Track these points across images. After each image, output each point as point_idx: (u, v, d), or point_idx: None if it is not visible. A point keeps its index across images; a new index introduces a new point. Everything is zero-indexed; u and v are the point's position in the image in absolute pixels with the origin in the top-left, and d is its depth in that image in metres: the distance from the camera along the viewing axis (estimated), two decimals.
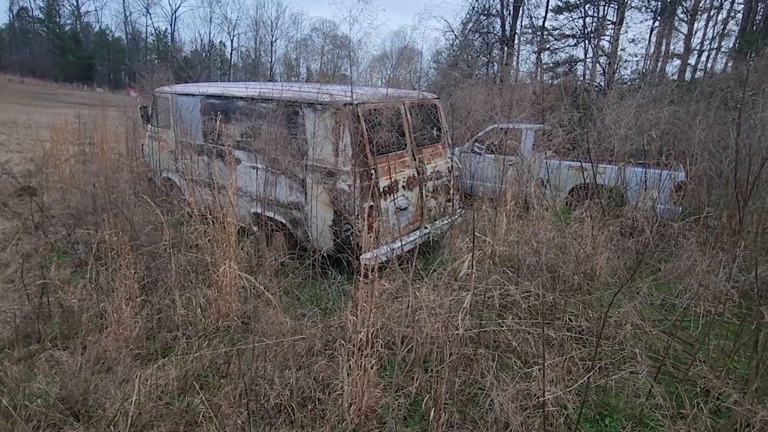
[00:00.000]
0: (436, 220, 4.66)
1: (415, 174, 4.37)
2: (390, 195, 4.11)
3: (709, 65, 15.90)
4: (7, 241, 4.50)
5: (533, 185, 4.85)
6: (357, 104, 3.86)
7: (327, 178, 4.00)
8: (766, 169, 4.20)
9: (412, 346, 2.26)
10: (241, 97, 4.66)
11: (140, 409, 2.13)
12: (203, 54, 50.25)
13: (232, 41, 51.68)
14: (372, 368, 2.20)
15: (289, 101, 4.19)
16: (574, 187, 6.28)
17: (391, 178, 4.11)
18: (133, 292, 2.67)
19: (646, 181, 5.46)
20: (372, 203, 3.92)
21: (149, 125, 6.27)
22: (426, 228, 4.47)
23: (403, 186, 4.24)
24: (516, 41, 16.03)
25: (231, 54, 51.63)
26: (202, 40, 53.40)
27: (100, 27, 52.05)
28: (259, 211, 4.69)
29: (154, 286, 3.15)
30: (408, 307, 2.62)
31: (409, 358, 2.42)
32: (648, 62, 13.22)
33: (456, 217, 4.87)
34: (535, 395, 2.24)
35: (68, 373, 2.42)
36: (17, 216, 5.21)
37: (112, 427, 2.07)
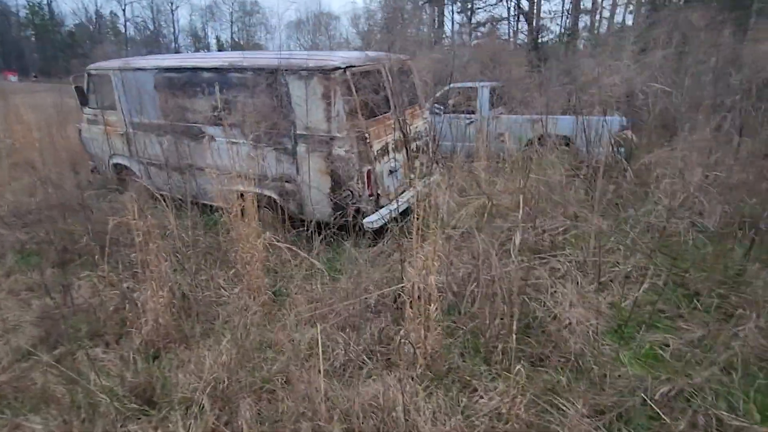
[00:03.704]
0: (421, 180, 4.82)
1: (401, 136, 4.46)
2: (383, 158, 4.18)
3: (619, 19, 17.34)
4: None
5: (508, 138, 5.15)
6: (346, 68, 3.82)
7: (320, 145, 3.96)
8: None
9: (474, 287, 2.44)
10: (208, 69, 4.37)
11: (216, 385, 2.11)
12: (91, 27, 44.51)
13: (124, 11, 46.10)
14: (435, 312, 2.35)
15: (268, 69, 4.02)
16: (530, 139, 6.73)
17: (382, 141, 4.16)
18: (166, 277, 2.54)
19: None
20: (370, 167, 3.97)
21: (87, 108, 5.63)
22: (415, 188, 4.61)
23: (393, 148, 4.32)
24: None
25: (125, 26, 46.32)
26: (87, 11, 47.06)
27: None
28: (243, 188, 4.52)
29: (178, 270, 3.00)
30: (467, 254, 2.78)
31: (471, 298, 2.61)
32: (566, 19, 14.14)
33: (436, 175, 5.07)
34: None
35: (118, 367, 2.29)
36: None
37: (195, 407, 2.04)
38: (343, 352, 2.43)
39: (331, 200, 4.05)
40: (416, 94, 4.95)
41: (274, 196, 4.31)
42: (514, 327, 2.12)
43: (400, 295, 2.70)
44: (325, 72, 3.76)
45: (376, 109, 4.18)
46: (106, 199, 5.21)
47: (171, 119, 4.76)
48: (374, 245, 4.13)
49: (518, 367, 2.04)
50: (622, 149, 6.29)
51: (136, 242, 2.47)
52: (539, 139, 6.47)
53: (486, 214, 3.90)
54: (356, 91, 3.90)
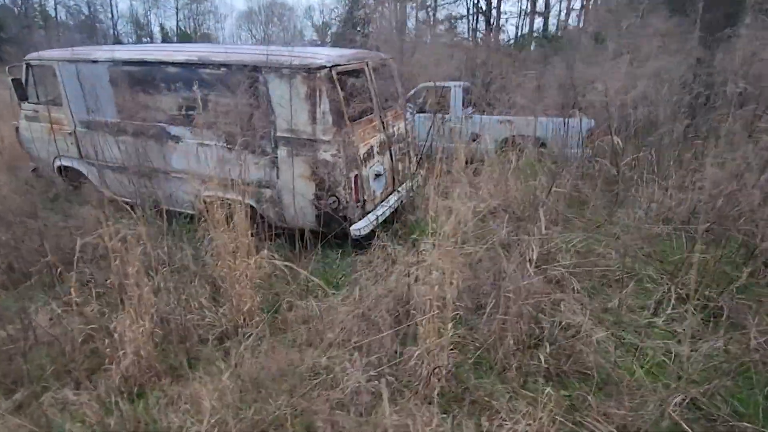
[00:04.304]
0: (403, 183, 4.68)
1: (385, 138, 4.30)
2: (368, 161, 4.00)
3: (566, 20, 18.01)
4: None
5: (489, 140, 5.12)
6: (331, 67, 3.60)
7: (304, 149, 3.71)
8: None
9: (492, 300, 2.34)
10: (175, 63, 3.98)
11: (221, 427, 1.87)
12: (16, 10, 40.40)
13: None
14: (448, 327, 2.23)
15: (245, 66, 3.71)
16: (503, 139, 6.78)
17: (367, 144, 3.98)
18: (148, 302, 2.23)
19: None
20: (357, 172, 3.77)
21: (26, 103, 5.01)
22: (399, 192, 4.47)
23: (377, 152, 4.15)
24: None
25: (56, 9, 42.45)
26: None
27: None
28: (213, 193, 4.18)
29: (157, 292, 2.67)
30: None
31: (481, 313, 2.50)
32: (522, 19, 14.48)
33: (418, 178, 4.95)
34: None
35: (95, 411, 1.98)
36: None
37: None
38: (352, 377, 2.25)
39: (316, 207, 3.82)
40: (398, 94, 4.80)
41: (251, 202, 4.01)
42: (529, 342, 2.03)
43: (407, 311, 2.56)
44: (310, 71, 3.52)
45: (363, 110, 3.99)
46: (52, 205, 4.66)
47: (130, 118, 4.32)
48: (360, 253, 3.96)
49: (547, 389, 1.95)
50: (590, 151, 6.49)
51: (112, 264, 2.15)
52: (512, 140, 6.55)
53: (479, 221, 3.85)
54: (342, 92, 3.69)
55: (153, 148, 4.34)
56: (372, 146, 4.04)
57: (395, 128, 4.51)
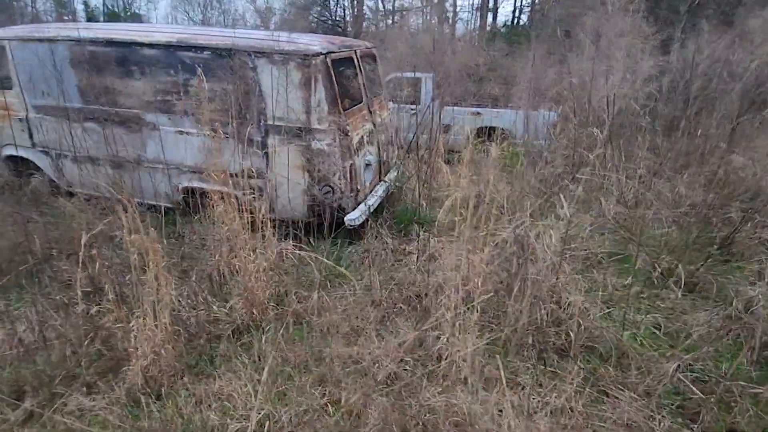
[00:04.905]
0: (388, 173, 4.71)
1: (373, 127, 4.29)
2: (360, 151, 3.98)
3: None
4: None
5: (468, 131, 5.25)
6: (327, 54, 3.53)
7: (297, 138, 3.62)
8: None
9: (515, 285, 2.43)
10: (152, 45, 3.71)
11: (264, 421, 1.83)
12: None
13: None
14: (474, 317, 2.31)
15: (232, 50, 3.55)
16: (473, 130, 6.97)
17: (359, 134, 3.95)
18: (167, 299, 2.10)
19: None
20: (351, 161, 3.75)
21: None
22: (385, 181, 4.50)
23: (367, 141, 4.14)
24: None
25: None
26: None
27: None
28: (193, 185, 3.98)
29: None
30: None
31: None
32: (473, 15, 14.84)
33: (401, 169, 5.00)
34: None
35: (117, 414, 1.84)
36: None
37: None
38: (384, 364, 2.28)
39: (309, 197, 3.75)
40: (381, 83, 4.79)
41: (237, 193, 3.85)
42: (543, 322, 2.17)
43: (426, 294, 2.61)
44: (306, 57, 3.43)
45: (354, 99, 3.95)
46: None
47: (96, 103, 3.99)
48: (353, 243, 3.96)
49: (568, 364, 2.09)
50: (555, 141, 6.85)
51: (131, 261, 2.00)
52: (480, 131, 6.76)
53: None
54: (335, 79, 3.64)
55: (124, 137, 4.04)
56: (363, 136, 4.02)
57: (381, 118, 4.51)
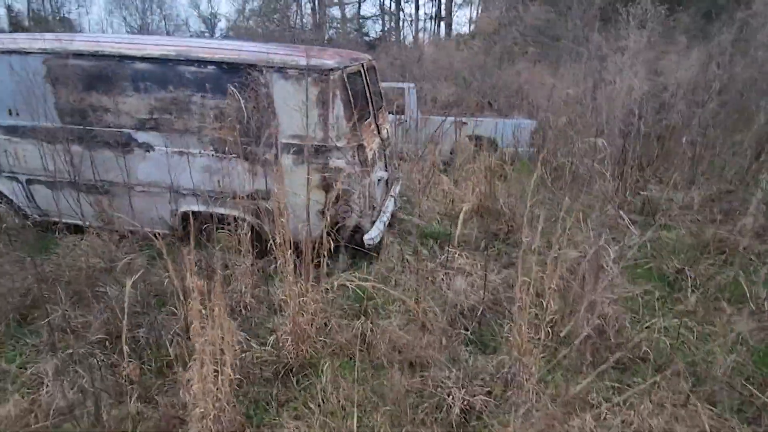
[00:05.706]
0: (392, 187, 4.61)
1: (381, 142, 4.18)
2: (374, 167, 3.85)
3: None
4: None
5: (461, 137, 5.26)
6: (343, 69, 3.38)
7: (314, 156, 3.44)
8: None
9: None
10: (145, 58, 3.39)
11: None
12: None
13: None
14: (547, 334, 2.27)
15: (240, 64, 3.31)
16: (461, 139, 7.03)
17: (372, 150, 3.83)
18: (229, 344, 1.87)
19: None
20: (369, 179, 3.61)
21: None
22: (393, 196, 4.40)
23: (378, 156, 4.02)
24: None
25: None
26: None
27: None
28: (195, 209, 3.67)
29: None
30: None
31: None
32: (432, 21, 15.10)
33: (401, 181, 4.92)
34: None
35: None
36: None
37: None
38: (453, 397, 2.18)
39: (325, 218, 3.56)
40: (382, 95, 4.69)
41: (246, 216, 3.60)
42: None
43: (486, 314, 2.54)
44: (323, 72, 3.26)
45: (364, 114, 3.83)
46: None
47: (77, 123, 3.60)
48: (370, 263, 3.82)
49: (640, 380, 2.10)
50: (533, 148, 7.06)
51: (187, 303, 1.77)
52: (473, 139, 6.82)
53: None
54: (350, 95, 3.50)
55: (111, 159, 3.67)
56: (375, 151, 3.91)
57: (386, 130, 4.42)
